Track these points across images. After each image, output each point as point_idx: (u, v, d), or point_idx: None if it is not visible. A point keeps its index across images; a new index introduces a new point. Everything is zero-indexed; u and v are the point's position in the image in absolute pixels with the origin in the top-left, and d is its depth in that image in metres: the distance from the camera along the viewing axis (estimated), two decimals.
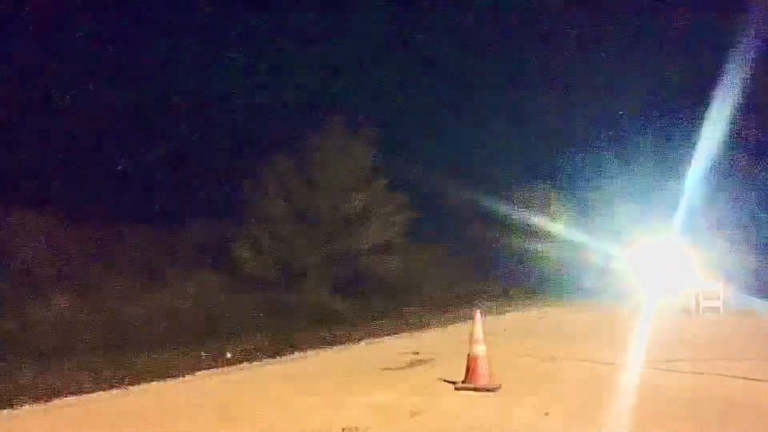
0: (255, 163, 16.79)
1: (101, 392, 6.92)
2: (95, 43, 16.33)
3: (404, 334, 12.74)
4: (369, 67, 26.60)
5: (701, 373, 7.66)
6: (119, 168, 15.58)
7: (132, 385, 7.30)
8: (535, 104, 29.25)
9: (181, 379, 7.80)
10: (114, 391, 7.00)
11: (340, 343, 11.11)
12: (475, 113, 29.20)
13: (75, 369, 7.88)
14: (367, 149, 17.55)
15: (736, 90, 20.78)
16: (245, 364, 8.90)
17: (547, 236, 24.87)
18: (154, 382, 7.48)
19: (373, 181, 17.72)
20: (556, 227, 24.85)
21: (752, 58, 20.36)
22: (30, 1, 14.67)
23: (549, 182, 27.10)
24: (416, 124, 25.96)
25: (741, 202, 24.71)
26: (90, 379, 7.38)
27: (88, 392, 6.86)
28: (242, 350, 9.60)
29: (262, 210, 16.41)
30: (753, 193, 24.54)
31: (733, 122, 21.96)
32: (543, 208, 25.57)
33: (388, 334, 12.48)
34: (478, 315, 7.00)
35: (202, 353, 9.12)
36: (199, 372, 8.19)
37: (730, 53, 20.46)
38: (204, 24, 19.90)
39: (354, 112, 18.07)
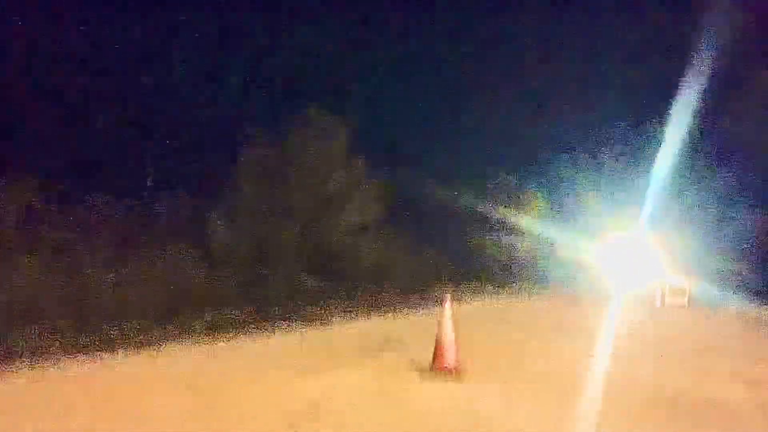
0: (233, 139, 16.68)
1: (68, 358, 6.91)
2: (79, 25, 15.99)
3: (375, 316, 12.86)
4: (349, 55, 26.42)
5: (666, 367, 7.86)
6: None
7: (100, 352, 7.29)
8: (509, 100, 29.44)
9: (150, 350, 7.80)
10: (81, 358, 6.99)
11: (313, 322, 11.18)
12: (451, 107, 29.29)
13: (43, 334, 7.82)
14: (345, 131, 17.56)
15: (701, 88, 21.16)
16: (216, 340, 8.93)
17: (518, 228, 25.17)
18: (121, 354, 7.48)
19: (350, 163, 17.74)
20: (527, 219, 25.15)
21: (717, 59, 20.72)
22: None
23: (521, 176, 27.41)
24: (394, 115, 25.97)
25: (708, 198, 25.20)
26: (57, 345, 7.35)
27: (54, 357, 6.85)
28: (214, 325, 9.62)
29: (238, 187, 16.36)
30: (719, 189, 25.00)
31: (699, 119, 22.39)
32: (515, 201, 25.87)
33: (360, 316, 12.58)
34: (447, 300, 7.05)
35: (196, 325, 9.10)
36: (170, 344, 8.20)
37: (695, 53, 20.80)
38: (186, 9, 19.54)
39: (333, 97, 18.04)
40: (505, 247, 25.62)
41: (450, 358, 6.79)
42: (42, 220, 11.01)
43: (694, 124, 22.34)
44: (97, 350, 7.40)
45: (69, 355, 7.10)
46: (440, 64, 31.33)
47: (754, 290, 19.77)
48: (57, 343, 7.48)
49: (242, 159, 16.53)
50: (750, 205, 24.14)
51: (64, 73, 14.58)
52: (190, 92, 17.61)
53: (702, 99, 21.42)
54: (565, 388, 6.53)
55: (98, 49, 15.77)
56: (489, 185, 25.69)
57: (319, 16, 24.16)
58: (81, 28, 15.57)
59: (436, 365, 6.79)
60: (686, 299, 17.52)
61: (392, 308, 14.21)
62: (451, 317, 6.92)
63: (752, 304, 17.42)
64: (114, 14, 16.57)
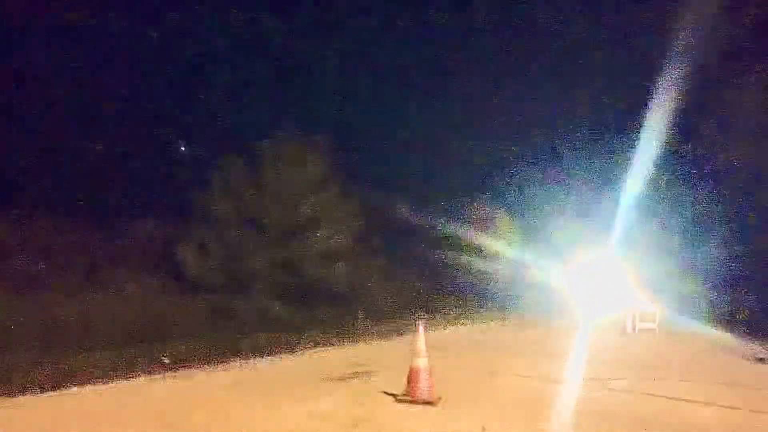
0: (205, 165, 16.60)
1: (34, 394, 6.72)
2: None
3: (348, 344, 12.78)
4: (322, 77, 26.62)
5: (637, 392, 7.91)
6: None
7: (67, 387, 7.11)
8: (480, 124, 29.81)
9: (118, 383, 7.64)
10: (48, 394, 6.81)
11: (285, 351, 11.05)
12: (424, 131, 29.52)
13: (7, 369, 7.62)
14: (318, 156, 17.57)
15: (671, 110, 21.48)
16: (186, 369, 8.77)
17: (488, 253, 25.30)
18: (90, 385, 7.31)
19: (323, 188, 17.71)
20: (498, 244, 25.32)
21: (687, 79, 21.04)
22: None
23: (491, 199, 27.68)
24: (366, 137, 26.13)
25: (676, 224, 25.60)
26: (22, 380, 7.15)
27: (19, 394, 6.66)
28: (184, 356, 9.45)
29: (209, 213, 16.21)
30: (688, 215, 25.42)
31: (669, 143, 22.77)
32: (485, 225, 26.05)
33: (333, 344, 12.49)
34: (420, 328, 7.07)
35: (163, 357, 8.94)
36: (139, 377, 8.04)
37: (665, 74, 21.15)
38: (159, 24, 19.53)
39: (306, 119, 18.10)
40: (478, 271, 25.69)
41: (424, 386, 6.77)
42: (6, 249, 10.80)
43: (664, 148, 22.71)
44: (64, 382, 7.22)
45: (33, 389, 6.91)
46: (413, 89, 31.68)
47: (721, 314, 20.08)
48: (21, 377, 7.28)
49: (213, 185, 16.41)
50: (718, 230, 24.58)
51: (31, 106, 14.44)
52: (164, 118, 17.53)
53: (672, 123, 21.77)
54: (539, 415, 6.52)
55: (66, 80, 15.65)
56: (461, 210, 25.85)
57: (292, 40, 24.34)
58: (51, 67, 15.45)
59: (410, 393, 6.77)
60: (656, 323, 17.72)
61: (365, 335, 14.12)
62: (424, 344, 6.91)
63: (720, 329, 17.68)
64: (81, 45, 16.50)
